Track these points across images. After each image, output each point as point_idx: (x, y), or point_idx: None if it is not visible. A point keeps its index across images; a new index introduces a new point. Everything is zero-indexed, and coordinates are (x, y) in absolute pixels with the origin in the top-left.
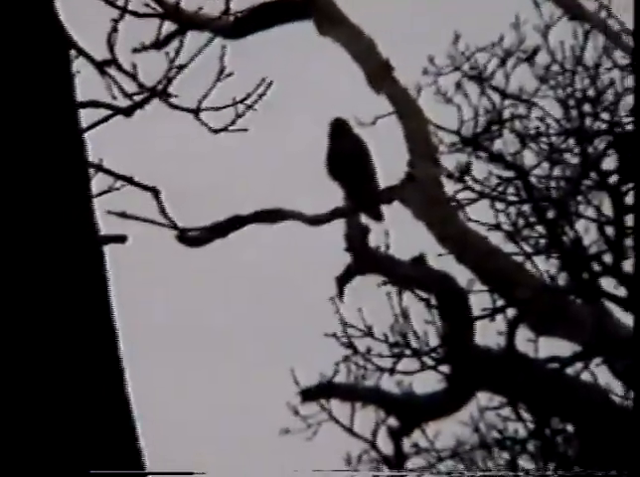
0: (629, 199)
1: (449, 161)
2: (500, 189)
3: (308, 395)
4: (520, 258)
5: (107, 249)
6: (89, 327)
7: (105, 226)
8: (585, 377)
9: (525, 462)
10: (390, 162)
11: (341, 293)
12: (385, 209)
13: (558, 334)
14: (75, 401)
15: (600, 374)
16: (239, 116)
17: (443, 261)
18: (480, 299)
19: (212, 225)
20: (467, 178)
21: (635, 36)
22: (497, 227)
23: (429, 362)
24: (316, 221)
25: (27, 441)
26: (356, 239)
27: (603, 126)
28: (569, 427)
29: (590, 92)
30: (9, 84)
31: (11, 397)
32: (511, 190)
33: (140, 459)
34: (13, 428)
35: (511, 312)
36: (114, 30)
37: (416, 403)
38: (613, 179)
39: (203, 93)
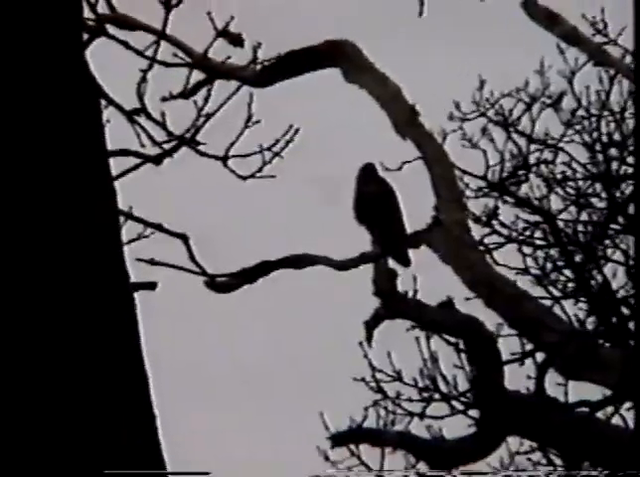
0: None
1: (476, 206)
2: (527, 233)
3: (338, 439)
4: (548, 302)
5: (138, 296)
6: (121, 373)
7: (135, 273)
8: (615, 420)
9: None
10: (416, 207)
11: (369, 338)
12: (412, 253)
13: (587, 378)
14: (109, 450)
15: (630, 417)
16: (265, 163)
17: (471, 306)
18: (509, 343)
19: (240, 270)
20: (494, 222)
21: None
22: (525, 271)
23: (459, 406)
24: (344, 266)
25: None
26: (384, 284)
27: (630, 170)
28: (600, 472)
29: (616, 137)
30: (42, 135)
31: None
32: (538, 234)
33: None
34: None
35: (540, 356)
36: (143, 80)
37: (446, 448)
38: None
39: (230, 141)
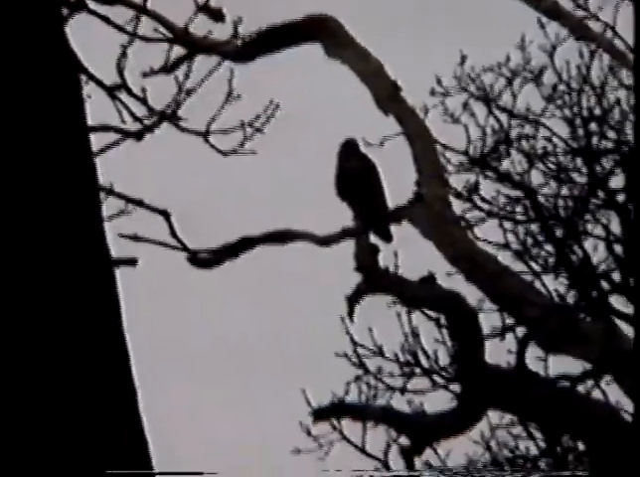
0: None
1: (457, 181)
2: (508, 208)
3: (320, 414)
4: (529, 277)
5: (119, 272)
6: (102, 349)
7: (117, 249)
8: (596, 394)
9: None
10: (398, 182)
11: (351, 313)
12: (394, 229)
13: (567, 352)
14: (88, 420)
15: (610, 391)
16: (247, 139)
17: (452, 281)
18: (490, 318)
19: (222, 246)
20: (475, 197)
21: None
22: (506, 246)
23: (440, 381)
24: (326, 241)
25: (43, 453)
26: (365, 259)
27: (610, 145)
28: (580, 445)
29: (597, 111)
30: (21, 110)
31: (29, 418)
32: (519, 209)
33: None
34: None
35: (521, 331)
36: (124, 55)
37: (428, 422)
38: (621, 197)
39: (211, 116)
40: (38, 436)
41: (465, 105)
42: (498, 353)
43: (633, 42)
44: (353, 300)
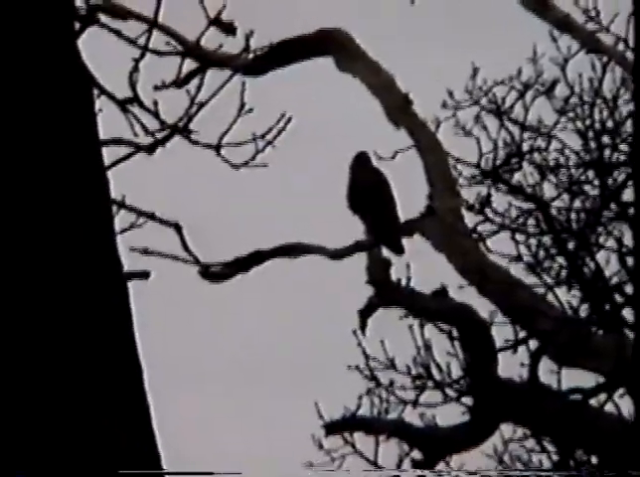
0: None
1: (469, 194)
2: (520, 221)
3: (332, 428)
4: (541, 290)
5: (131, 286)
6: (114, 363)
7: (129, 262)
8: (609, 408)
9: None
10: (410, 195)
11: (363, 326)
12: (405, 242)
13: (580, 365)
14: (100, 437)
15: (623, 404)
16: (258, 152)
17: (464, 294)
18: (502, 331)
19: (233, 260)
20: (487, 210)
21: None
22: (518, 258)
23: (452, 394)
24: (337, 254)
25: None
26: (377, 272)
27: (622, 158)
28: (594, 459)
29: (609, 124)
30: (33, 124)
31: (39, 430)
32: (531, 221)
33: None
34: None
35: (533, 344)
36: (136, 69)
37: (440, 436)
38: (633, 210)
39: (223, 130)
40: (48, 445)
41: (477, 118)
42: (510, 366)
43: (633, 43)
44: (365, 313)
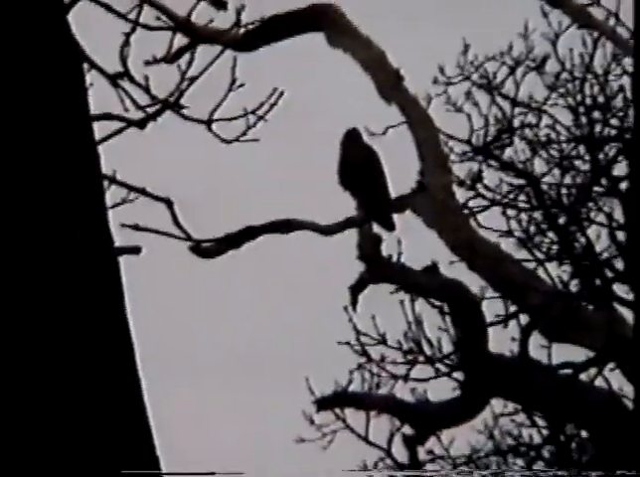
0: None
1: (460, 170)
2: (511, 196)
3: (323, 403)
4: (532, 265)
5: (122, 261)
6: (106, 337)
7: (120, 237)
8: (599, 382)
9: (540, 468)
10: (401, 171)
11: (354, 302)
12: (396, 218)
13: (570, 340)
14: (90, 411)
15: (613, 379)
16: (250, 127)
17: (455, 269)
18: (493, 306)
19: (225, 236)
20: (478, 186)
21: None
22: (509, 233)
23: (443, 369)
24: (329, 230)
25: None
26: (368, 249)
27: (613, 133)
28: (584, 433)
29: (600, 99)
30: (23, 98)
31: (27, 419)
32: (522, 197)
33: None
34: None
35: (523, 318)
36: (126, 43)
37: (431, 411)
38: (624, 185)
39: (214, 105)
40: (37, 437)
41: (468, 94)
42: (501, 341)
43: (633, 28)
44: (356, 289)
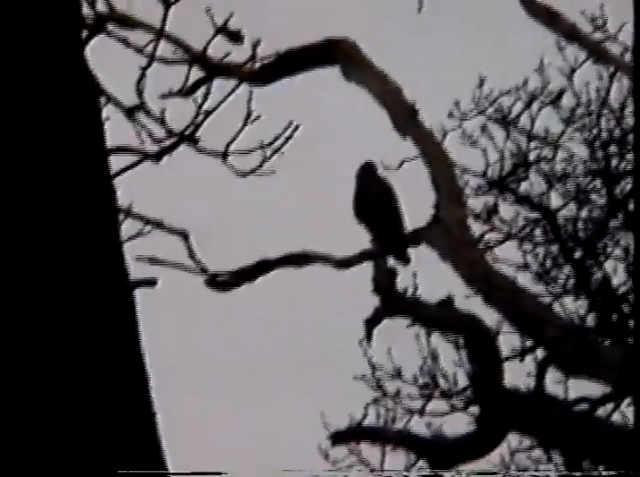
0: None
1: (476, 203)
2: (527, 230)
3: (338, 438)
4: (548, 299)
5: (138, 293)
6: (121, 370)
7: (136, 269)
8: (616, 417)
9: None
10: (416, 205)
11: (369, 336)
12: (412, 251)
13: (587, 375)
14: (108, 444)
15: (630, 414)
16: (265, 160)
17: (471, 303)
18: (509, 340)
19: (240, 269)
20: (494, 219)
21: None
22: (525, 267)
23: (459, 403)
24: (344, 263)
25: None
26: (383, 282)
27: (629, 167)
28: (601, 469)
29: (616, 133)
30: (41, 132)
31: (43, 435)
32: (538, 231)
33: None
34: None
35: (540, 353)
36: (143, 77)
37: (446, 446)
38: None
39: (230, 138)
40: (53, 450)
41: (483, 128)
42: (517, 375)
43: (632, 45)
44: (371, 323)
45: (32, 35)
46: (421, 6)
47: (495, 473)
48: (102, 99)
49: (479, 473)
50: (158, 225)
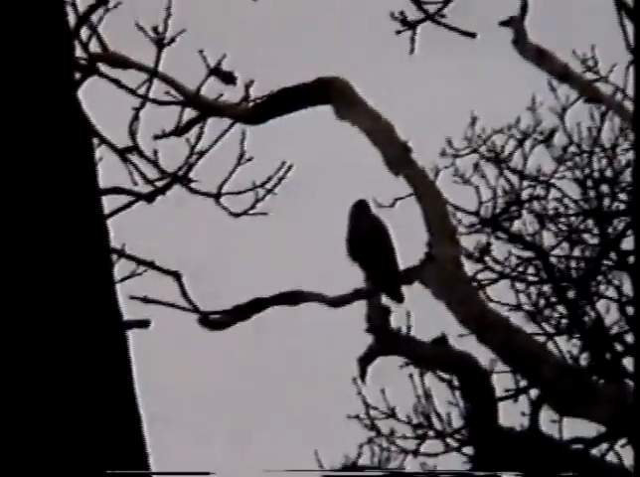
0: None
1: (469, 242)
2: (520, 269)
3: None
4: (542, 338)
5: (131, 334)
6: (115, 412)
7: (129, 310)
8: (610, 457)
9: None
10: (409, 243)
11: (363, 375)
12: (405, 290)
13: (581, 414)
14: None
15: (625, 454)
16: (258, 200)
17: (465, 342)
18: (502, 380)
19: (233, 308)
20: (487, 258)
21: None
22: (518, 307)
23: (453, 443)
24: (337, 302)
25: None
26: (377, 321)
27: (622, 207)
28: None
29: (608, 173)
30: (34, 175)
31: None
32: (531, 270)
33: None
34: None
35: (534, 392)
36: (136, 118)
37: None
38: (633, 258)
39: (223, 178)
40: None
41: (476, 166)
42: (511, 415)
43: (633, 91)
44: (364, 362)
45: (25, 77)
46: (414, 48)
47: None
48: (95, 141)
49: None
50: (151, 265)
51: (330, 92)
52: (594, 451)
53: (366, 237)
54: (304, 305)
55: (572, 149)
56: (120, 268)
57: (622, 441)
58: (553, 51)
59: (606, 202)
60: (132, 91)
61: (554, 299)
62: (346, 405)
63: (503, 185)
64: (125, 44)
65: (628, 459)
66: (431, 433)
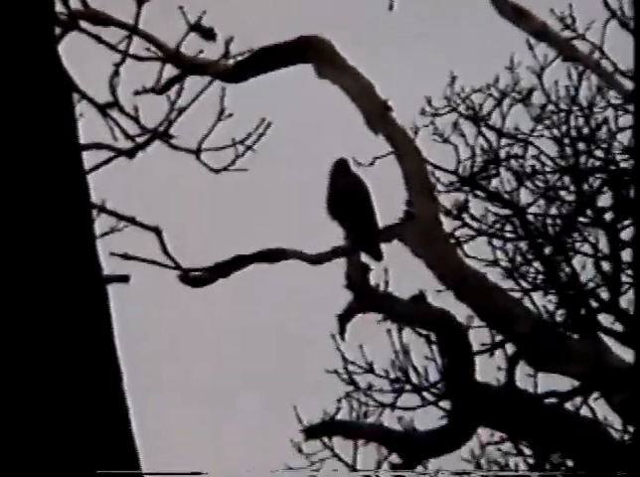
0: (625, 235)
1: (447, 200)
2: (497, 226)
3: (311, 432)
4: (518, 294)
5: (111, 289)
6: (94, 366)
7: (109, 266)
8: (584, 411)
9: None
10: (388, 201)
11: (342, 331)
12: (384, 247)
13: (556, 369)
14: (82, 439)
15: (599, 408)
16: (238, 157)
17: (442, 298)
18: (479, 335)
19: (214, 265)
20: (465, 215)
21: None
22: (495, 263)
23: (430, 397)
24: (317, 260)
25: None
26: (356, 278)
27: (598, 164)
28: (569, 462)
29: (585, 131)
30: (13, 129)
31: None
32: (508, 227)
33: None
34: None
35: (510, 348)
36: (116, 74)
37: (418, 440)
38: (609, 215)
39: (203, 135)
40: (25, 449)
41: (455, 125)
42: (488, 370)
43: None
44: (344, 318)
45: (4, 32)
46: (392, 4)
47: (466, 472)
48: (76, 96)
49: (455, 473)
50: (131, 221)
51: (310, 51)
52: (568, 405)
53: (345, 195)
54: (284, 262)
55: (550, 108)
56: (101, 224)
57: (595, 395)
58: (531, 9)
59: (583, 159)
60: (112, 47)
61: (530, 256)
62: (325, 361)
63: (481, 143)
64: (105, 0)
65: (601, 413)
66: (408, 387)
